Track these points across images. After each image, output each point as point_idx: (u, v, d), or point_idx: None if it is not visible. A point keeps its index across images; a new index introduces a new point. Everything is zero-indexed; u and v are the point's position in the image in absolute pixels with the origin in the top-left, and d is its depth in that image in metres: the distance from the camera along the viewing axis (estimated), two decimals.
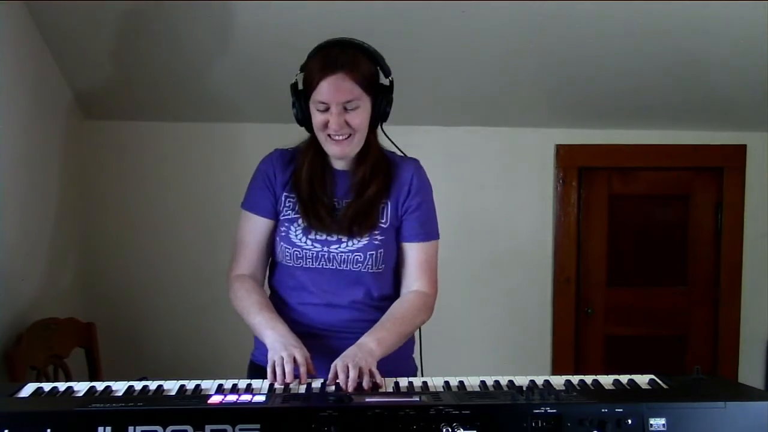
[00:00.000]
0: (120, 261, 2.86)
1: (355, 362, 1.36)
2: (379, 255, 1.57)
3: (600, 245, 3.09)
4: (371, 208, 1.56)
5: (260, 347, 1.63)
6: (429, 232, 1.63)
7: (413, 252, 1.61)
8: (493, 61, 2.55)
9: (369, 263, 1.57)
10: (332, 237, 1.56)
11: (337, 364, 1.37)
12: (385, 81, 1.54)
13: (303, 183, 1.57)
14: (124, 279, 2.87)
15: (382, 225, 1.58)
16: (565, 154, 3.02)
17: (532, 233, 3.03)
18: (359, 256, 1.56)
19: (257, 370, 1.62)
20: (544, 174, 3.02)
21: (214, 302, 2.83)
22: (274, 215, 1.61)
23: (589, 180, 3.06)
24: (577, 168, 3.03)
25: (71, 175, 2.66)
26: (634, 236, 3.13)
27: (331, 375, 1.37)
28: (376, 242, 1.57)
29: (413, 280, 1.62)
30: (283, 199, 1.61)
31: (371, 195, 1.56)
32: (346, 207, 1.57)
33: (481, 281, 3.00)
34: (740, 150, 3.05)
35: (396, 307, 1.59)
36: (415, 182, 1.61)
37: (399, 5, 2.24)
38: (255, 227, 1.62)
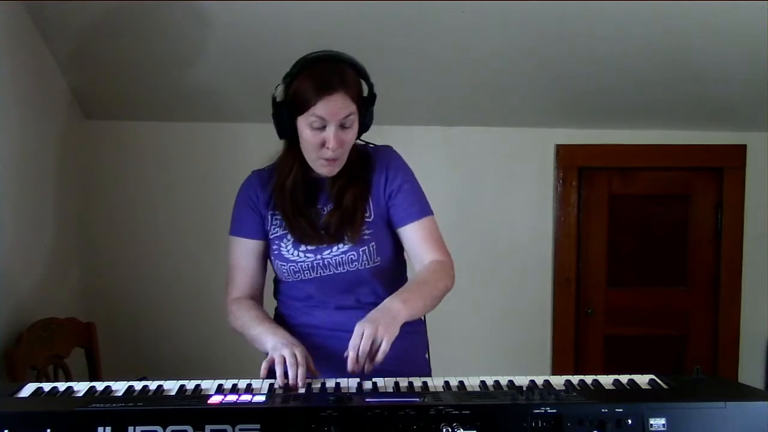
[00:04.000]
0: (120, 261, 2.86)
1: (371, 331, 1.33)
2: (372, 249, 1.56)
3: (600, 245, 3.09)
4: (352, 215, 1.55)
5: None
6: (421, 209, 1.60)
7: (411, 233, 1.59)
8: (493, 61, 2.55)
9: (364, 259, 1.56)
10: (322, 245, 1.56)
11: (357, 330, 1.35)
12: (366, 95, 1.53)
13: (286, 198, 1.56)
14: (124, 279, 2.87)
15: (368, 219, 1.57)
16: (565, 154, 3.02)
17: (532, 233, 3.03)
18: (353, 255, 1.56)
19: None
20: (544, 174, 3.03)
21: (215, 301, 2.81)
22: (263, 235, 1.61)
23: (589, 180, 3.06)
24: (577, 168, 3.03)
25: (71, 175, 2.66)
26: (634, 236, 3.13)
27: (354, 340, 1.34)
28: (366, 237, 1.56)
29: (424, 255, 1.58)
30: (269, 218, 1.61)
31: (349, 203, 1.55)
32: (328, 216, 1.56)
33: (481, 281, 3.00)
34: (740, 150, 3.05)
35: (416, 275, 1.58)
36: (392, 167, 1.60)
37: (398, 5, 2.24)
38: (245, 250, 1.62)
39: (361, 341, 1.33)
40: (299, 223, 1.55)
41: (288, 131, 1.52)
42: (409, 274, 1.69)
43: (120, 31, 2.35)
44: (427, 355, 1.71)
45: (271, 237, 1.61)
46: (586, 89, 2.73)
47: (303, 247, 1.57)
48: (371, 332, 1.33)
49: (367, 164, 1.61)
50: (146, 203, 2.87)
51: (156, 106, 2.76)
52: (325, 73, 1.46)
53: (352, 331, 1.51)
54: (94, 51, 2.45)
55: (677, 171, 3.09)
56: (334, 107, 1.44)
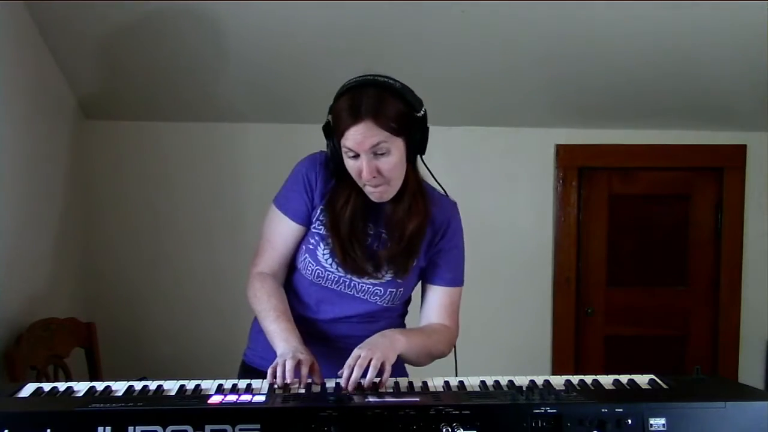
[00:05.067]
0: (120, 261, 2.86)
1: (367, 354, 1.33)
2: (398, 293, 1.56)
3: (600, 245, 3.09)
4: (410, 249, 1.53)
5: (254, 347, 1.63)
6: (456, 278, 1.61)
7: (438, 295, 1.59)
8: (493, 61, 2.55)
9: (386, 298, 1.56)
10: (364, 277, 1.54)
11: (354, 353, 1.35)
12: (417, 114, 1.46)
13: (345, 223, 1.51)
14: (125, 279, 2.87)
15: (413, 265, 1.56)
16: (565, 154, 3.02)
17: (532, 233, 3.03)
18: (379, 290, 1.55)
19: (248, 371, 1.61)
20: (544, 174, 3.03)
21: (214, 302, 2.84)
22: (307, 221, 1.56)
23: (589, 180, 3.06)
24: (577, 168, 3.03)
25: (71, 175, 2.66)
26: (634, 236, 3.13)
27: (349, 361, 1.34)
28: (399, 281, 1.55)
29: (435, 318, 1.59)
30: (318, 211, 1.55)
31: (411, 233, 1.51)
32: (387, 249, 1.53)
33: (481, 281, 2.98)
34: (740, 150, 3.05)
35: (424, 327, 1.58)
36: (452, 226, 1.58)
37: (399, 5, 2.24)
38: (284, 229, 1.57)
39: (356, 364, 1.32)
40: (354, 252, 1.51)
41: (339, 159, 1.48)
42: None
43: (120, 31, 2.35)
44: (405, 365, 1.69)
45: (312, 230, 1.56)
46: (587, 89, 2.73)
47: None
48: (367, 355, 1.33)
49: (429, 211, 1.55)
50: (146, 203, 2.87)
51: (156, 106, 2.76)
52: (350, 103, 1.40)
53: (351, 338, 1.50)
54: (95, 51, 2.45)
55: (677, 171, 3.09)
56: (359, 137, 1.39)
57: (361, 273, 1.53)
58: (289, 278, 1.63)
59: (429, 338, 1.53)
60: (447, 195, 1.62)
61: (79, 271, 2.77)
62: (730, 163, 3.06)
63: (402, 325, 1.66)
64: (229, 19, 2.32)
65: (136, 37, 2.38)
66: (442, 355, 1.58)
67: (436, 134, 2.88)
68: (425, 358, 1.55)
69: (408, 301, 1.67)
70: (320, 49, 2.38)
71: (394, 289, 1.55)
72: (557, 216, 3.04)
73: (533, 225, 3.04)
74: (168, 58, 2.49)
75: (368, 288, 1.55)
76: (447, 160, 2.93)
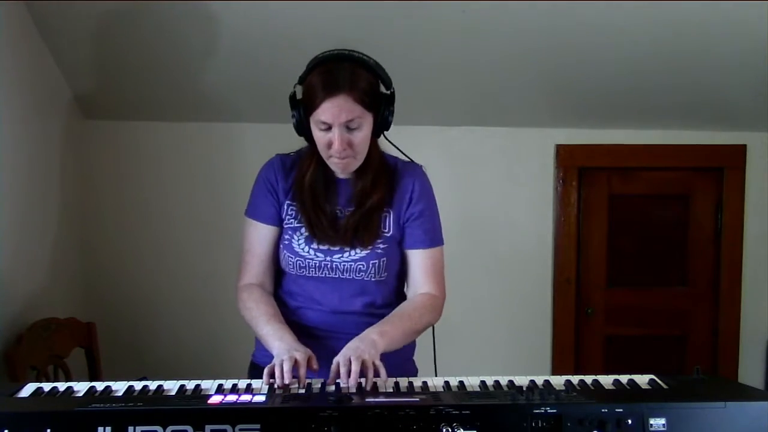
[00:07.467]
0: (120, 261, 2.86)
1: (357, 354, 1.35)
2: (381, 264, 1.57)
3: (600, 245, 3.09)
4: (372, 219, 1.56)
5: (261, 348, 1.63)
6: (433, 238, 1.62)
7: (418, 259, 1.61)
8: (493, 61, 2.55)
9: (372, 272, 1.57)
10: (335, 247, 1.56)
11: (339, 358, 1.37)
12: (386, 91, 1.52)
13: (306, 193, 1.56)
14: (124, 279, 2.87)
15: (385, 234, 1.58)
16: (565, 154, 3.02)
17: (532, 233, 3.03)
18: (362, 265, 1.56)
19: (258, 371, 1.61)
20: (544, 174, 3.03)
21: (214, 301, 2.84)
22: (279, 222, 1.61)
23: (589, 180, 3.06)
24: (577, 168, 3.03)
25: (71, 175, 2.66)
26: (634, 236, 3.13)
27: (332, 373, 1.36)
28: (379, 251, 1.56)
29: (420, 285, 1.61)
30: (286, 207, 1.60)
31: (372, 205, 1.55)
32: (347, 218, 1.56)
33: (481, 281, 3.00)
34: (740, 150, 3.05)
35: (402, 306, 1.59)
36: (417, 190, 1.60)
37: (399, 5, 2.24)
38: (260, 235, 1.61)
39: (349, 369, 1.33)
40: (319, 220, 1.55)
41: (304, 129, 1.52)
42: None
43: (120, 31, 2.35)
44: (414, 359, 1.71)
45: (285, 227, 1.60)
46: (587, 89, 2.73)
47: (315, 245, 1.56)
48: (356, 356, 1.34)
49: (394, 177, 1.60)
50: (145, 203, 2.86)
51: (155, 106, 2.76)
52: (329, 75, 1.44)
53: (347, 333, 1.51)
54: (94, 51, 2.45)
55: (677, 171, 3.09)
56: (336, 110, 1.43)
57: (330, 241, 1.55)
58: (280, 281, 1.66)
59: (409, 320, 1.54)
60: (412, 161, 1.65)
61: (79, 271, 2.77)
62: (730, 163, 3.06)
63: (399, 302, 1.65)
64: (228, 19, 2.32)
65: (136, 37, 2.38)
66: (431, 325, 1.61)
67: (436, 134, 2.94)
68: (411, 338, 1.59)
69: (403, 275, 1.67)
70: (320, 49, 2.38)
71: (376, 261, 1.56)
72: (557, 216, 3.04)
73: (533, 225, 3.03)
74: (167, 58, 2.49)
75: (350, 265, 1.56)
76: (447, 160, 2.94)
